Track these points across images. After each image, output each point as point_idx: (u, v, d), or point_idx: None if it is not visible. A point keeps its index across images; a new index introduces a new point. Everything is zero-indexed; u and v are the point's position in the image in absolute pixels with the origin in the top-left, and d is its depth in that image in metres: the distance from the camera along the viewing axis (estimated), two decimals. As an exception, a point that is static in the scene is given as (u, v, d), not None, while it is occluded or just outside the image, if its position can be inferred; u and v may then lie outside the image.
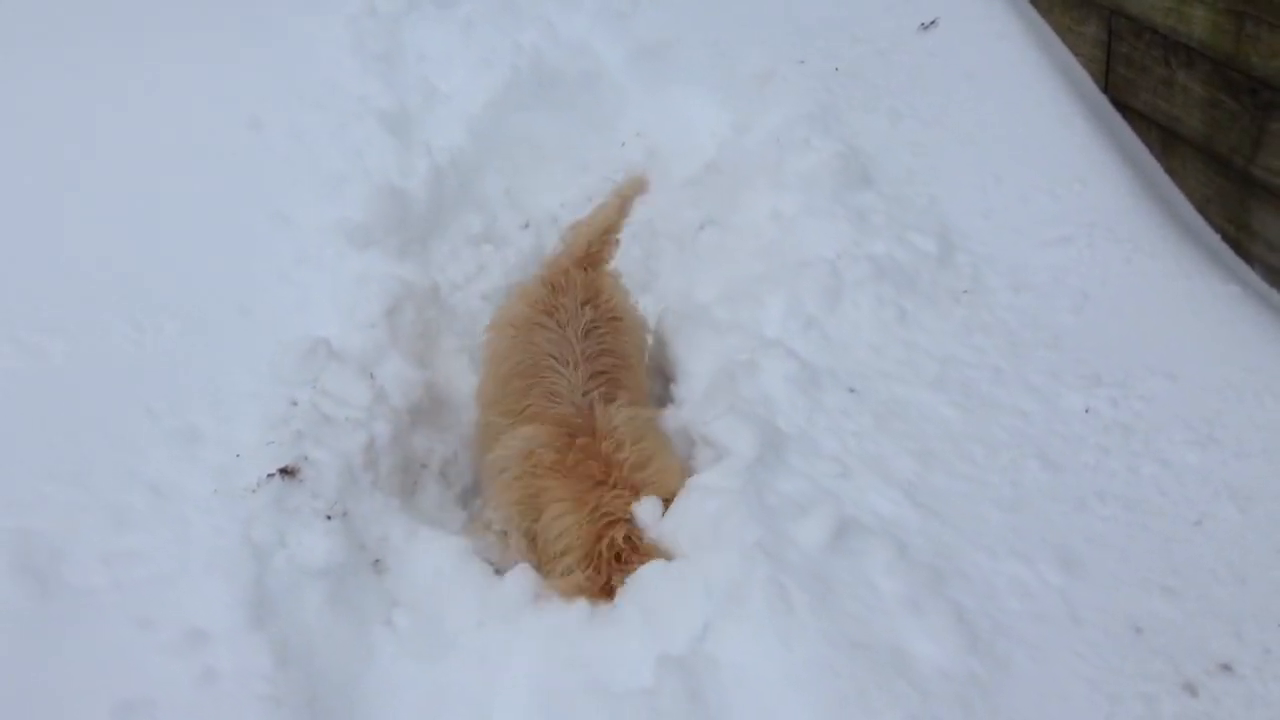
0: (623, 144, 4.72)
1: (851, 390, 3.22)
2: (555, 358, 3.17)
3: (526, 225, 4.31)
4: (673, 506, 2.84)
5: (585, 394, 3.09)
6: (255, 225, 3.99)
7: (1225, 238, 3.67)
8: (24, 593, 2.58)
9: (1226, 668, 2.42)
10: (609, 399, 3.09)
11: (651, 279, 4.08)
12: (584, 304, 3.34)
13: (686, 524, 2.75)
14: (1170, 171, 3.91)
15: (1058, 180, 3.82)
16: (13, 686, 2.41)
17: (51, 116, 4.68)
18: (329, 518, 2.81)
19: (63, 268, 3.81)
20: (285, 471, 2.89)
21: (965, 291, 3.52)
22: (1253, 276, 3.53)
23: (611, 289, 3.49)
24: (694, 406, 3.26)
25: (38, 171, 4.32)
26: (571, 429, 2.98)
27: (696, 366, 3.49)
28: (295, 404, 3.11)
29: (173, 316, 3.56)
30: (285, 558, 2.69)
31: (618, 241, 3.65)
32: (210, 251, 3.88)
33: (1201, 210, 3.77)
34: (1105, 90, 4.23)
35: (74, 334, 3.48)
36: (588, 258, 3.51)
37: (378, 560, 2.87)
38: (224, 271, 3.78)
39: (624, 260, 4.03)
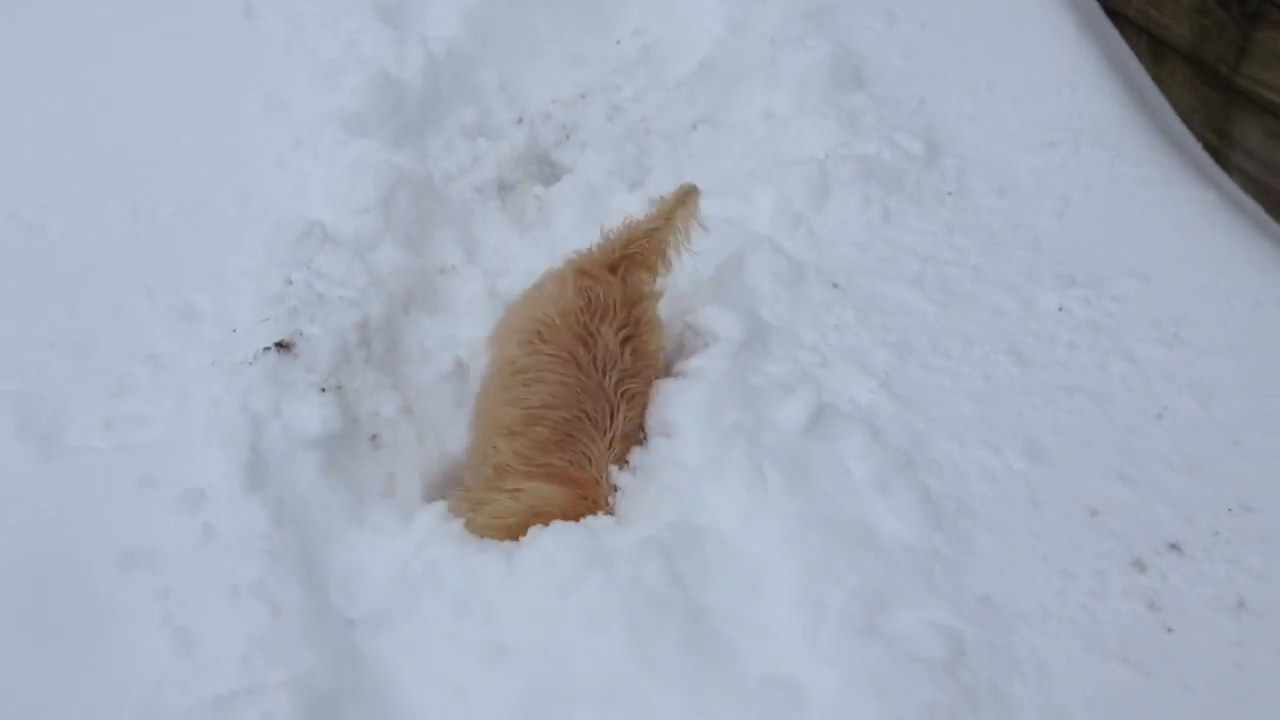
0: (618, 42, 4.69)
1: (835, 285, 3.31)
2: (590, 418, 2.82)
3: (520, 120, 4.32)
4: (657, 389, 2.93)
5: (614, 463, 2.80)
6: (251, 112, 4.02)
7: (1207, 147, 3.72)
8: (27, 452, 2.71)
9: (1175, 547, 2.55)
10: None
11: (644, 175, 4.11)
12: (624, 341, 2.94)
13: (671, 404, 2.84)
14: (1158, 80, 3.94)
15: (1047, 86, 3.85)
16: (17, 537, 2.53)
17: (47, 4, 4.65)
18: (323, 390, 2.90)
19: (58, 149, 3.84)
20: (281, 346, 2.97)
21: (950, 193, 3.58)
22: (1230, 184, 3.59)
23: (651, 325, 3.08)
24: (681, 297, 3.34)
25: (33, 56, 4.32)
26: (589, 496, 2.76)
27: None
28: (290, 283, 3.18)
29: (169, 199, 3.62)
30: (280, 427, 2.80)
31: (666, 253, 3.23)
32: (206, 136, 3.92)
33: (1186, 119, 3.81)
34: (1099, -2, 4.24)
35: (70, 213, 3.54)
36: (625, 259, 3.13)
37: (375, 435, 2.98)
38: (220, 156, 3.82)
39: (616, 157, 4.09)
